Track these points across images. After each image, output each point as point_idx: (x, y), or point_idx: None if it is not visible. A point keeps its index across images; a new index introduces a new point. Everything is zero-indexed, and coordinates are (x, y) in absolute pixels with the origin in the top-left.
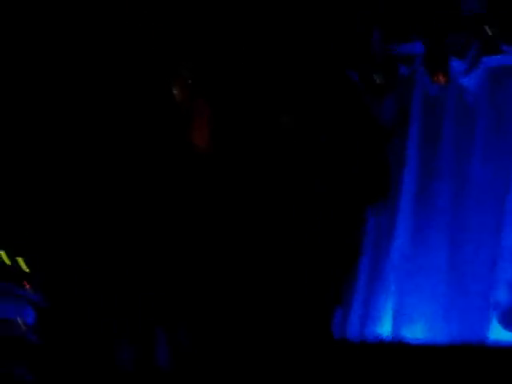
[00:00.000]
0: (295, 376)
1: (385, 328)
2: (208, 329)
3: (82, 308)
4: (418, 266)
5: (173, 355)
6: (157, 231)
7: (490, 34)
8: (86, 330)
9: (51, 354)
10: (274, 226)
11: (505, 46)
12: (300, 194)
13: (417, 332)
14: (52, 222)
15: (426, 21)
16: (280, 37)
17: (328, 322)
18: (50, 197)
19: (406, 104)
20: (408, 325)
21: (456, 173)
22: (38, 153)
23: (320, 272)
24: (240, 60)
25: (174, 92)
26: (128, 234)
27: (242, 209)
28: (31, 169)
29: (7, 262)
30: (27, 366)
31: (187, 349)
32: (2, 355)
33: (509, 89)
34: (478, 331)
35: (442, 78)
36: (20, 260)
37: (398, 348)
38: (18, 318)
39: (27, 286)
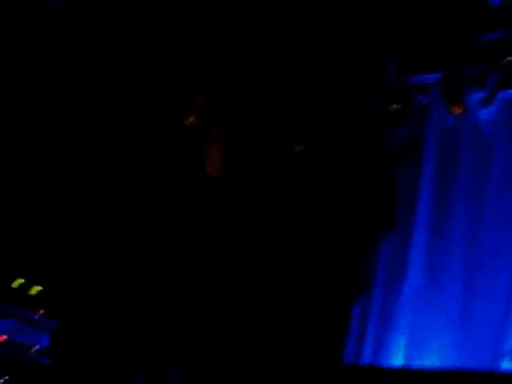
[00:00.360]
0: None
1: (396, 362)
2: (218, 355)
3: (96, 333)
4: (430, 302)
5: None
6: (168, 257)
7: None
8: (99, 355)
9: (64, 377)
10: (286, 256)
11: None
12: (312, 225)
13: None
14: (66, 249)
15: (444, 51)
16: (297, 66)
17: (339, 353)
18: (62, 224)
19: (421, 134)
20: (419, 360)
21: (471, 207)
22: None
23: (331, 304)
24: (256, 88)
25: (189, 118)
26: (142, 261)
27: (252, 236)
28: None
29: (22, 288)
30: None
31: (198, 375)
32: (16, 379)
33: None
34: (491, 362)
35: (458, 109)
36: (34, 287)
37: (409, 374)
38: (32, 343)
39: (41, 312)
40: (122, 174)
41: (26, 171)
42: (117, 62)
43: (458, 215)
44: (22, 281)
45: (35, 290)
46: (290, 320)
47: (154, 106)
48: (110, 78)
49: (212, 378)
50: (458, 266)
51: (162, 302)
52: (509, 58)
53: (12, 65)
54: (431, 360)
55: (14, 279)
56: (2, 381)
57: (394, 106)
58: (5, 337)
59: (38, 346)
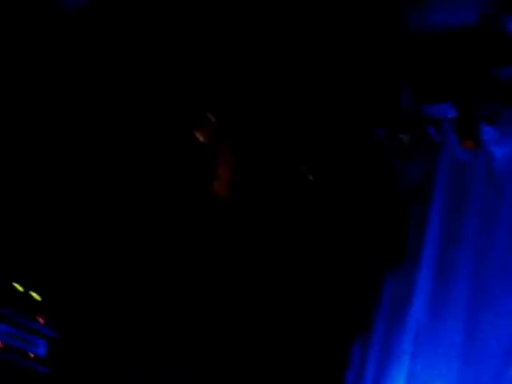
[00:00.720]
0: None
1: None
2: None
3: (94, 342)
4: (434, 338)
5: None
6: (171, 274)
7: None
8: (99, 366)
9: None
10: (290, 283)
11: None
12: (315, 253)
13: None
14: (66, 256)
15: (459, 85)
16: (310, 88)
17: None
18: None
19: (432, 168)
20: None
21: (479, 244)
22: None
23: (332, 335)
24: (267, 109)
25: (198, 136)
26: (144, 276)
27: (256, 259)
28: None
29: (21, 293)
30: None
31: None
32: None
33: None
34: None
35: (471, 144)
36: (33, 293)
37: None
38: (29, 350)
39: (40, 320)
40: (127, 188)
41: (26, 174)
42: (125, 73)
43: (465, 249)
44: (21, 287)
45: (35, 296)
46: (288, 353)
47: (162, 122)
48: (119, 89)
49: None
50: (461, 309)
51: (163, 312)
52: None
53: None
54: None
55: (13, 283)
56: None
57: (406, 137)
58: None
59: (33, 354)
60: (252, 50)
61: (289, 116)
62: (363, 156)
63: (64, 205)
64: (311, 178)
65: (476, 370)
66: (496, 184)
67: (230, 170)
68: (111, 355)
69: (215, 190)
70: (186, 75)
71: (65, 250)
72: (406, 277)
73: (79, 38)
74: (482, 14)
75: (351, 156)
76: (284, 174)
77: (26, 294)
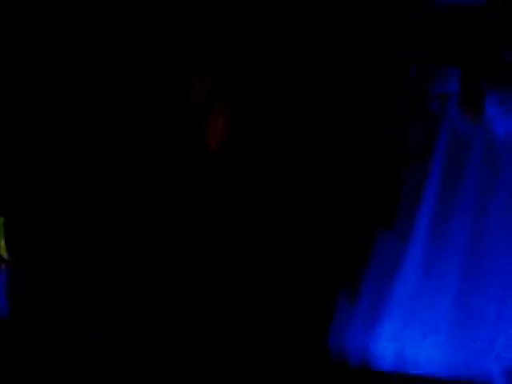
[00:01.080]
0: None
1: (384, 359)
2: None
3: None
4: (423, 302)
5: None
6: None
7: None
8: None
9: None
10: (275, 235)
11: None
12: (306, 210)
13: (416, 366)
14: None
15: (465, 60)
16: (310, 49)
17: (322, 341)
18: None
19: (432, 138)
20: (407, 359)
21: (475, 215)
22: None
23: (318, 292)
24: (263, 63)
25: (192, 88)
26: (125, 232)
27: (247, 211)
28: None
29: None
30: None
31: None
32: None
33: None
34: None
35: (473, 118)
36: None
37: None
38: None
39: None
40: (117, 142)
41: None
42: (118, 24)
43: (460, 219)
44: None
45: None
46: (273, 305)
47: (154, 75)
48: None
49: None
50: (455, 268)
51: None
52: None
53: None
54: (419, 358)
55: None
56: None
57: (409, 106)
58: None
59: None
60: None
61: (287, 68)
62: (362, 118)
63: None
64: (307, 136)
65: (466, 335)
66: (495, 160)
67: (223, 123)
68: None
69: (208, 143)
70: (181, 27)
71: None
72: (397, 242)
73: None
74: None
75: (348, 115)
76: (279, 130)
77: None
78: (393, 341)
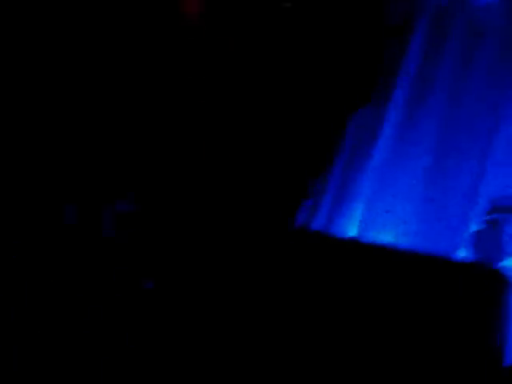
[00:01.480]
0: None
1: (352, 229)
2: None
3: None
4: (395, 175)
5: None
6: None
7: None
8: None
9: None
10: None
11: None
12: (286, 83)
13: (383, 238)
14: None
15: None
16: None
17: (292, 213)
18: None
19: (413, 12)
20: (376, 229)
21: (453, 90)
22: None
23: (292, 171)
24: None
25: None
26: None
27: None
28: None
29: None
30: None
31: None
32: None
33: None
34: (447, 247)
35: None
36: None
37: (359, 247)
38: None
39: None
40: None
41: None
42: None
43: (438, 93)
44: None
45: None
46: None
47: None
48: None
49: None
50: (430, 139)
51: None
52: None
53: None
54: (387, 229)
55: None
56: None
57: None
58: None
59: None
60: None
61: None
62: None
63: None
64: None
65: (436, 211)
66: (476, 33)
67: None
68: None
69: (183, 9)
70: None
71: None
72: (371, 117)
73: None
74: None
75: None
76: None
77: None
78: (360, 209)
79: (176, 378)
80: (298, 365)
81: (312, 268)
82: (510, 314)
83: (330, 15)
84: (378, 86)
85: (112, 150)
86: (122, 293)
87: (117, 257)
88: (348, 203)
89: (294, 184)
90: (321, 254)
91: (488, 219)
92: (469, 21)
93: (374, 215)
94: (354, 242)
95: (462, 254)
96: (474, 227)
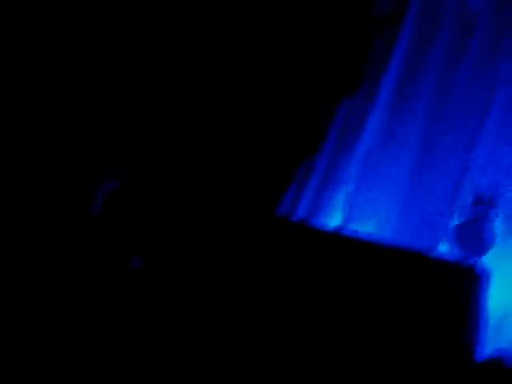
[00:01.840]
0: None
1: (335, 219)
2: None
3: None
4: (382, 166)
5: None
6: None
7: None
8: None
9: None
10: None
11: None
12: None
13: (366, 229)
14: None
15: None
16: None
17: (275, 201)
18: None
19: (404, 4)
20: (359, 220)
21: (441, 81)
22: None
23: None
24: None
25: None
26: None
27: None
28: None
29: None
30: None
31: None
32: None
33: None
34: (429, 241)
35: None
36: None
37: (340, 239)
38: None
39: None
40: None
41: None
42: None
43: (426, 84)
44: None
45: None
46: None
47: None
48: None
49: None
50: (417, 132)
51: None
52: None
53: None
54: (370, 221)
55: None
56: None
57: None
58: None
59: None
60: None
61: None
62: None
63: None
64: None
65: (419, 204)
66: (467, 22)
67: None
68: None
69: None
70: None
71: None
72: (361, 101)
73: None
74: None
75: None
76: None
77: None
78: (344, 202)
79: (158, 364)
80: (277, 353)
81: (291, 259)
82: (485, 311)
83: (320, 5)
84: (366, 77)
85: (100, 131)
86: (114, 278)
87: (106, 238)
88: (331, 193)
89: (278, 172)
90: (301, 244)
91: (471, 213)
92: (459, 14)
93: (358, 206)
94: (334, 234)
95: (444, 247)
96: (456, 221)
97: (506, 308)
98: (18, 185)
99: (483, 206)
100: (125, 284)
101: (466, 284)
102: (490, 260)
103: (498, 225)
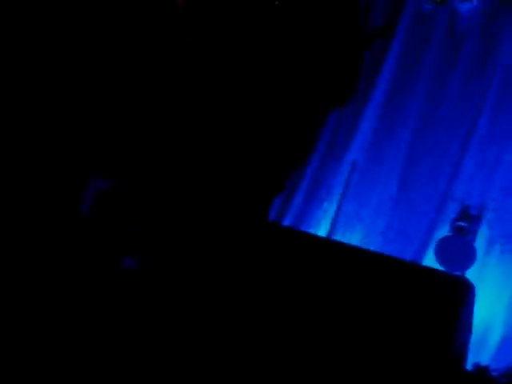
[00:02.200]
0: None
1: (321, 230)
2: None
3: None
4: (367, 179)
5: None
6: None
7: None
8: None
9: None
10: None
11: None
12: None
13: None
14: None
15: None
16: None
17: (266, 207)
18: None
19: (396, 15)
20: (346, 228)
21: (430, 95)
22: None
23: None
24: None
25: None
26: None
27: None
28: None
29: None
30: None
31: None
32: None
33: (502, 23)
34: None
35: None
36: None
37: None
38: None
39: None
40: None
41: None
42: None
43: (415, 98)
44: None
45: None
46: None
47: None
48: None
49: None
50: (400, 155)
51: None
52: None
53: None
54: (357, 232)
55: None
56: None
57: None
58: None
59: None
60: None
61: None
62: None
63: None
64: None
65: (406, 214)
66: (456, 39)
67: None
68: None
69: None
70: None
71: None
72: (350, 116)
73: None
74: None
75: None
76: None
77: None
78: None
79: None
80: (265, 354)
81: (279, 263)
82: (471, 321)
83: (316, 16)
84: (356, 89)
85: (93, 133)
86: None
87: (96, 237)
88: (320, 201)
89: (269, 179)
90: (289, 250)
91: (456, 226)
92: (448, 28)
93: (346, 214)
94: (322, 240)
95: (429, 258)
96: (442, 232)
97: (488, 321)
98: (11, 186)
99: (467, 221)
100: (116, 283)
101: (453, 294)
102: (472, 274)
103: (481, 240)
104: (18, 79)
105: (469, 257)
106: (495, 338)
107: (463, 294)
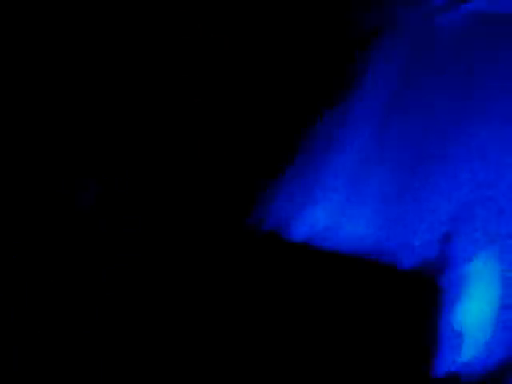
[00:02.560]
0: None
1: (305, 231)
2: None
3: None
4: (360, 183)
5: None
6: None
7: None
8: None
9: None
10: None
11: None
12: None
13: (335, 242)
14: None
15: None
16: None
17: (247, 212)
18: None
19: (380, 25)
20: (329, 233)
21: (417, 110)
22: None
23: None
24: None
25: None
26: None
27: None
28: None
29: None
30: None
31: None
32: None
33: (485, 36)
34: (398, 255)
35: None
36: None
37: (309, 252)
38: None
39: None
40: None
41: None
42: None
43: (400, 115)
44: None
45: None
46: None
47: None
48: None
49: None
50: (396, 155)
51: None
52: None
53: None
54: (339, 237)
55: None
56: None
57: None
58: None
59: None
60: None
61: None
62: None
63: None
64: None
65: (390, 218)
66: (440, 54)
67: None
68: None
69: None
70: None
71: None
72: (334, 122)
73: None
74: None
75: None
76: None
77: None
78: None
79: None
80: (248, 362)
81: (260, 270)
82: (444, 326)
83: (300, 24)
84: (340, 96)
85: (87, 134)
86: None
87: (97, 236)
88: (302, 205)
89: (250, 183)
90: (269, 256)
91: (441, 232)
92: (432, 41)
93: (329, 218)
94: (303, 246)
95: (410, 262)
96: (425, 237)
97: (463, 326)
98: (11, 186)
99: (448, 224)
100: (116, 283)
101: (428, 296)
102: (452, 278)
103: (461, 243)
104: (17, 79)
105: (448, 260)
106: (471, 342)
107: (437, 297)
